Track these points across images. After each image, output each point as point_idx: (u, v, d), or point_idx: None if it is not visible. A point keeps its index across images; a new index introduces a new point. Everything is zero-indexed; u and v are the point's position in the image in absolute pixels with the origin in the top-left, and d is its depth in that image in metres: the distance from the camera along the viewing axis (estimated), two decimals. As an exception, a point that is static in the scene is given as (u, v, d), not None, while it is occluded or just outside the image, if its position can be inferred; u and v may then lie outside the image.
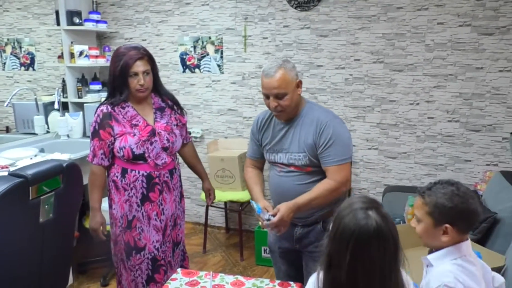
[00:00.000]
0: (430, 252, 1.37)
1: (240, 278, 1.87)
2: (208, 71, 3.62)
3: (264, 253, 3.17)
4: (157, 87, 2.13)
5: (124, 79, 1.98)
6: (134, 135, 2.01)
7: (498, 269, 1.96)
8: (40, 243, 1.76)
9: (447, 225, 1.26)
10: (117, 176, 2.06)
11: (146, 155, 2.03)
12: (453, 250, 1.29)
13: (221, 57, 3.56)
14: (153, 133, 2.05)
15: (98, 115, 2.03)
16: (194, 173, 2.44)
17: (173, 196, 2.18)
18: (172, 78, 3.74)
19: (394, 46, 3.07)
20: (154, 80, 2.08)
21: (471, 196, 1.27)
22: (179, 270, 1.96)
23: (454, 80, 2.98)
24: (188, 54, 3.66)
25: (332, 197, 1.82)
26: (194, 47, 3.63)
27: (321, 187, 1.81)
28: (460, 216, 1.26)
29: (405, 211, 2.72)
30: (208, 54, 3.60)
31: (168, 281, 1.87)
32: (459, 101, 3.00)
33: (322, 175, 1.86)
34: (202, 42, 3.60)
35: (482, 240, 2.21)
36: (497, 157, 2.98)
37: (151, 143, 2.04)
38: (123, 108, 2.04)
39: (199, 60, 3.63)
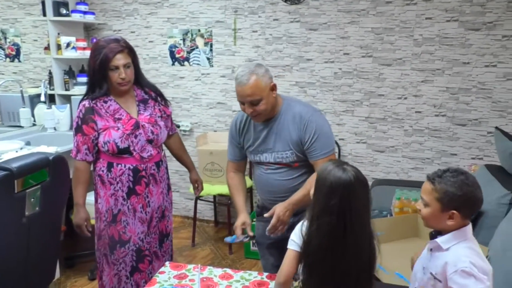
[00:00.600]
0: (433, 237, 1.42)
1: (229, 271, 1.88)
2: (198, 64, 3.61)
3: (252, 246, 3.18)
4: (139, 79, 2.10)
5: (104, 72, 1.95)
6: (118, 129, 1.99)
7: (481, 261, 2.01)
8: (26, 237, 1.74)
9: (454, 211, 1.33)
10: (103, 171, 2.04)
11: (131, 148, 2.01)
12: (459, 233, 1.36)
13: (211, 50, 3.55)
14: (137, 126, 2.03)
15: (81, 110, 2.00)
16: (181, 164, 2.42)
17: (160, 188, 2.16)
18: (161, 71, 3.71)
19: (383, 40, 3.09)
20: (136, 72, 2.05)
21: (478, 186, 1.35)
22: (167, 263, 1.96)
23: (441, 74, 3.01)
24: (177, 47, 3.63)
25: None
26: (184, 39, 3.60)
27: (312, 182, 1.82)
28: (467, 203, 1.34)
29: (392, 204, 2.75)
30: (197, 47, 3.58)
31: (157, 274, 1.87)
32: (446, 95, 3.03)
33: (308, 167, 1.89)
34: (192, 35, 3.57)
35: (466, 232, 2.25)
36: (482, 151, 3.03)
37: (136, 136, 2.02)
38: (105, 102, 2.02)
39: (189, 53, 3.61)
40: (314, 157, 1.85)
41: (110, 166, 2.03)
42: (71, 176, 2.03)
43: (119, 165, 2.03)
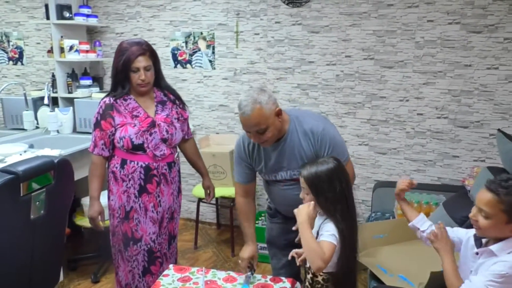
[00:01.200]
0: (479, 244, 1.43)
1: (232, 273, 1.89)
2: (200, 66, 3.62)
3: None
4: (159, 82, 2.19)
5: (126, 73, 2.04)
6: (134, 125, 2.06)
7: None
8: (31, 240, 1.75)
9: None
10: (116, 167, 2.11)
11: (145, 145, 2.07)
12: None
13: (213, 52, 3.56)
14: (153, 124, 2.10)
15: (101, 107, 2.09)
16: (194, 169, 2.48)
17: (171, 190, 2.21)
18: (163, 73, 3.71)
19: (385, 43, 3.10)
20: (156, 74, 2.13)
21: None
22: (171, 266, 1.97)
23: (443, 77, 3.02)
24: (180, 50, 3.64)
25: None
26: (186, 42, 3.61)
27: None
28: None
29: (395, 206, 2.76)
30: (199, 50, 3.59)
31: (161, 277, 1.88)
32: (448, 98, 3.04)
33: None
34: (194, 38, 3.58)
35: (469, 234, 2.25)
36: (484, 153, 3.03)
37: (151, 134, 2.08)
38: (125, 100, 2.10)
39: (191, 55, 3.62)
40: None
41: (123, 163, 2.09)
42: (76, 178, 2.06)
43: (132, 162, 2.08)
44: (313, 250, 1.47)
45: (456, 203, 2.47)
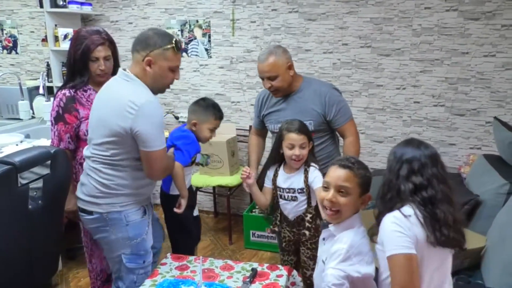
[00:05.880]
0: (324, 226, 1.57)
1: (230, 262, 1.91)
2: (196, 55, 3.59)
3: (252, 236, 3.21)
4: (116, 70, 2.12)
5: (85, 63, 2.00)
6: None
7: (479, 249, 2.03)
8: (29, 230, 1.75)
9: (369, 194, 1.51)
10: (84, 159, 2.06)
11: None
12: (351, 220, 1.51)
13: (209, 41, 3.53)
14: None
15: (61, 99, 2.00)
16: None
17: None
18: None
19: (382, 30, 3.08)
20: (115, 64, 2.10)
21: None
22: (168, 255, 1.98)
23: (440, 65, 3.01)
24: (175, 38, 3.61)
25: (356, 150, 2.20)
26: (182, 30, 3.58)
27: (349, 147, 2.19)
28: (369, 184, 1.52)
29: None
30: (195, 38, 3.56)
31: (158, 266, 1.90)
32: (444, 85, 3.03)
33: (323, 138, 2.22)
34: (190, 26, 3.55)
35: (464, 221, 2.27)
36: (480, 140, 3.04)
37: None
38: (85, 91, 2.05)
39: (187, 44, 3.59)
40: (341, 122, 2.19)
41: None
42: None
43: None
44: None
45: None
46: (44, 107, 3.22)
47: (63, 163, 1.88)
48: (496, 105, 2.95)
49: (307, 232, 2.02)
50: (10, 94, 3.29)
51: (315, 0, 3.18)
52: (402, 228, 1.29)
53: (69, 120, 2.00)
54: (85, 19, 3.79)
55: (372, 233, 1.42)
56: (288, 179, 2.01)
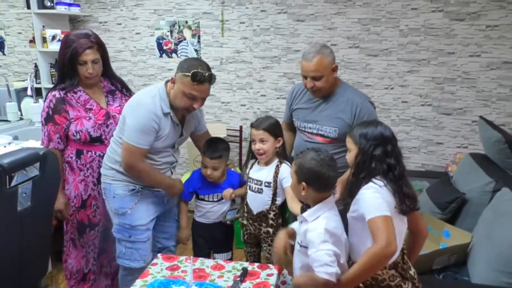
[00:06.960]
0: (303, 210, 1.63)
1: (220, 261, 1.91)
2: (186, 56, 3.59)
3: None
4: (107, 72, 2.19)
5: (73, 66, 2.02)
6: (90, 118, 2.07)
7: (466, 245, 2.07)
8: (18, 232, 1.74)
9: (304, 183, 1.59)
10: (71, 157, 2.11)
11: (103, 137, 2.10)
12: (322, 205, 1.59)
13: (198, 41, 3.54)
14: (108, 116, 2.12)
15: (51, 101, 2.04)
16: None
17: None
18: (148, 63, 3.69)
19: (370, 31, 3.12)
20: (104, 65, 2.13)
21: (327, 164, 1.59)
22: (159, 255, 1.99)
23: (427, 65, 3.06)
24: (165, 39, 3.61)
25: None
26: (171, 31, 3.58)
27: None
28: (314, 177, 1.59)
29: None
30: (185, 39, 3.56)
31: (149, 266, 1.90)
32: (431, 85, 3.08)
33: (344, 147, 2.09)
34: (179, 27, 3.55)
35: (451, 219, 2.31)
36: (467, 139, 3.09)
37: (107, 126, 2.11)
38: (75, 93, 2.08)
39: (176, 44, 3.59)
40: None
41: (79, 153, 2.10)
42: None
43: (89, 152, 2.11)
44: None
45: (439, 189, 2.53)
46: (32, 108, 3.19)
47: (52, 164, 1.87)
48: (481, 104, 3.00)
49: (270, 230, 2.10)
50: (-2, 96, 3.25)
51: (303, 1, 3.21)
52: (380, 195, 1.45)
53: (59, 121, 2.04)
54: (73, 20, 3.77)
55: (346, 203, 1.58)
56: (258, 171, 2.12)
